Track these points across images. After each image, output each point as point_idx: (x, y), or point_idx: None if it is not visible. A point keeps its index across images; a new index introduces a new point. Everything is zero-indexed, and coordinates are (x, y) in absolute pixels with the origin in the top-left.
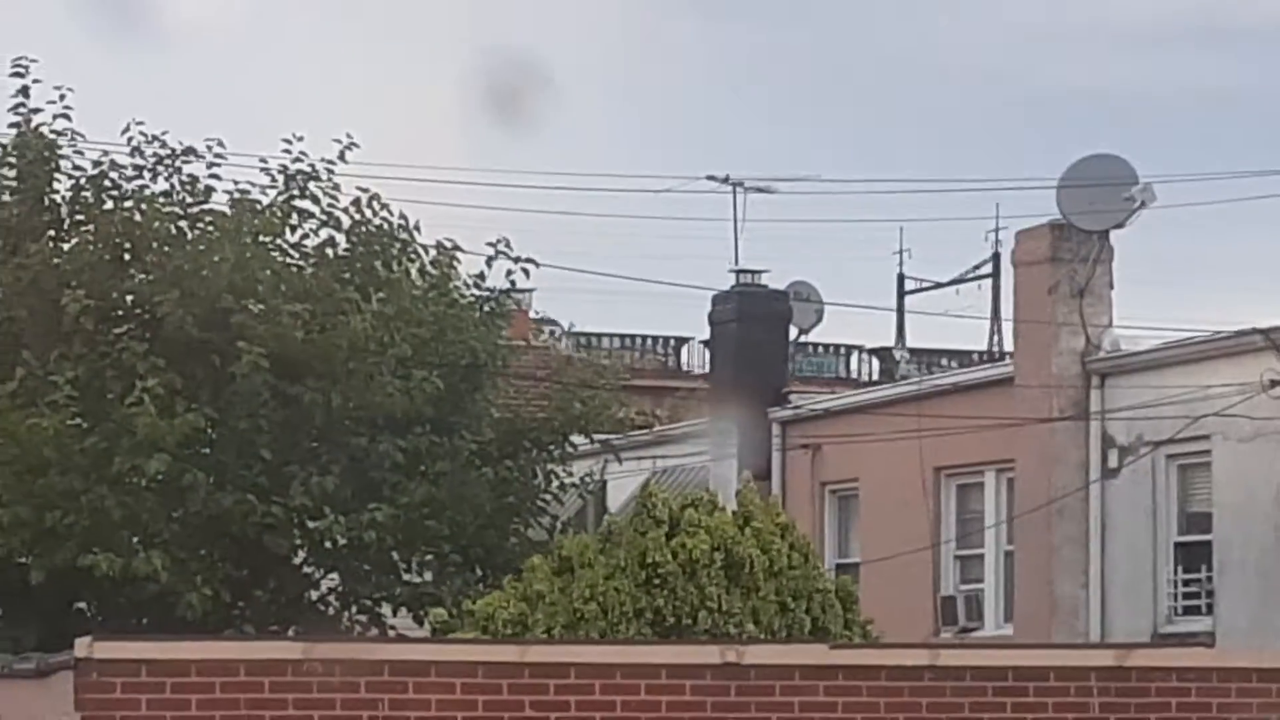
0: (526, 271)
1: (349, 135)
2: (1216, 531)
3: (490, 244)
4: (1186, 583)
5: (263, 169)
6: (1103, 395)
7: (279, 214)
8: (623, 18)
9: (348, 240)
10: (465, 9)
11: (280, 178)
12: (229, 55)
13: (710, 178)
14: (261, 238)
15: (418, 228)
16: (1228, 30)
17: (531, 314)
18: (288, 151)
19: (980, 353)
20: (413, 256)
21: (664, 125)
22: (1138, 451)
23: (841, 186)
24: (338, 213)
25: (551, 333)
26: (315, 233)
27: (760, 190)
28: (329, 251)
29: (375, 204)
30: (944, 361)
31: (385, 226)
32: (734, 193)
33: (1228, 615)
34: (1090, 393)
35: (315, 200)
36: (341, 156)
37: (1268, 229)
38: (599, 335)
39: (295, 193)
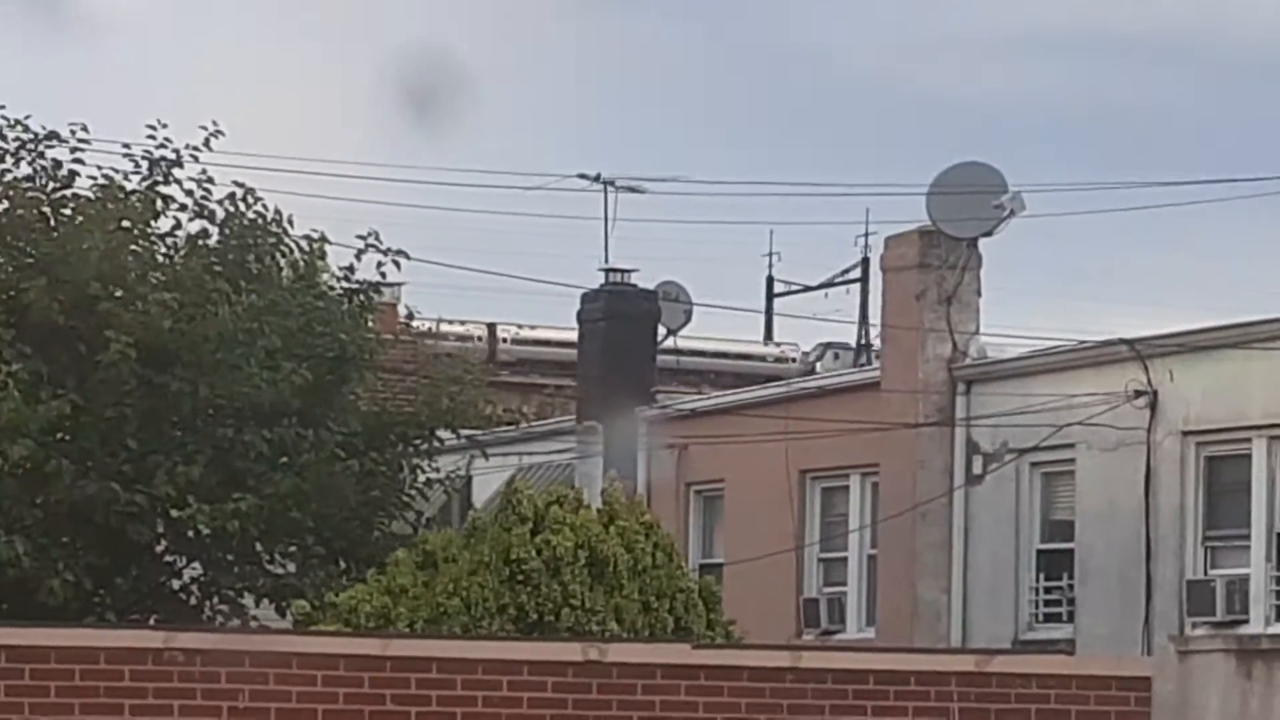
0: (397, 264)
1: (215, 123)
2: (1079, 539)
3: (360, 236)
4: (1048, 590)
5: (126, 155)
6: (968, 402)
7: (142, 200)
8: (506, 14)
9: (221, 233)
10: (356, 3)
11: (145, 164)
12: (99, 41)
13: (581, 176)
14: (125, 223)
15: (290, 221)
16: (1103, 41)
17: (401, 309)
18: (152, 138)
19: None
20: (284, 251)
21: (543, 123)
22: (1002, 458)
23: (712, 188)
24: (211, 205)
25: (430, 330)
26: (187, 223)
27: (630, 190)
28: (201, 243)
29: (250, 198)
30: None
31: (259, 220)
32: (604, 191)
33: (1088, 623)
34: (956, 399)
35: (186, 190)
36: (206, 144)
37: (1134, 240)
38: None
39: (159, 179)
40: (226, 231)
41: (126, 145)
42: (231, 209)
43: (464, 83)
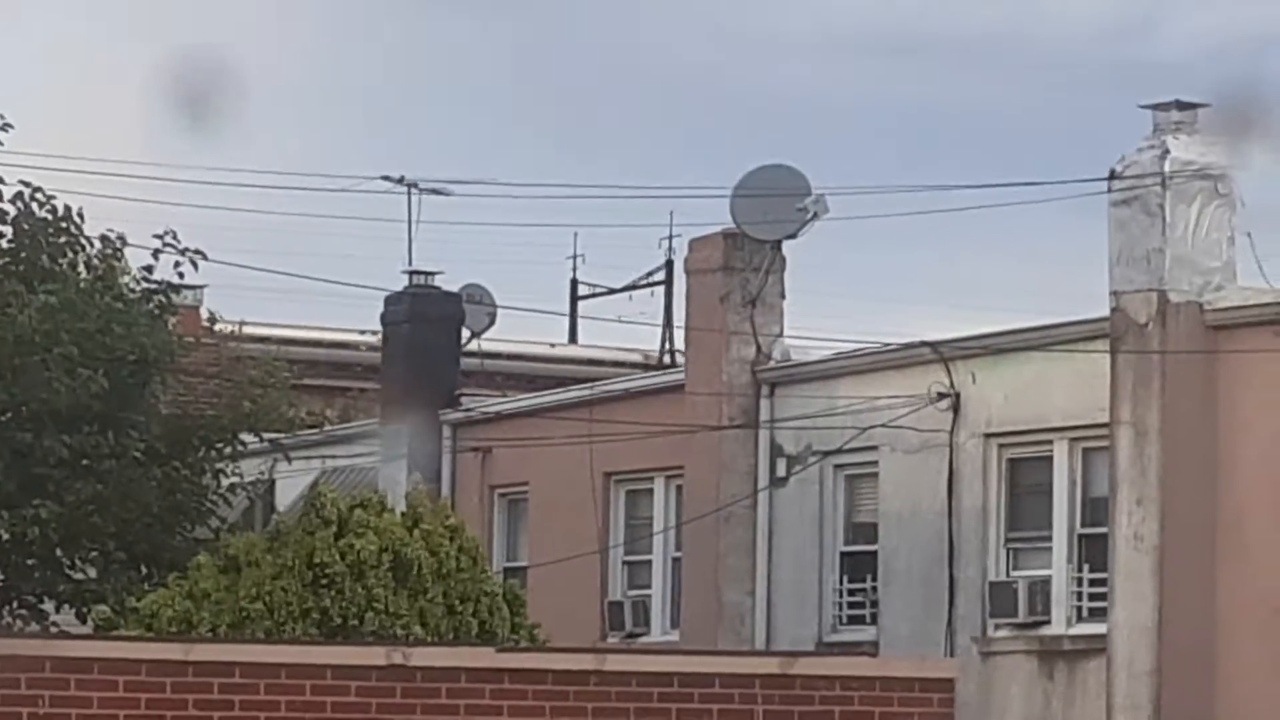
0: (195, 263)
1: (1, 116)
2: (882, 541)
3: (157, 235)
4: (851, 592)
5: None
6: (772, 404)
7: None
8: (312, 14)
9: (13, 232)
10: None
11: None
12: None
13: (385, 178)
14: None
15: (81, 216)
16: (912, 43)
17: (203, 312)
18: None
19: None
20: (78, 248)
21: (352, 125)
22: (806, 461)
23: (518, 190)
24: (3, 205)
25: (232, 331)
26: None
27: (435, 192)
28: None
29: (40, 196)
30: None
31: (49, 218)
32: (408, 194)
33: (891, 625)
34: (760, 401)
35: None
36: None
37: (937, 243)
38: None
39: None
40: (24, 228)
41: None
42: (21, 207)
43: (262, 83)
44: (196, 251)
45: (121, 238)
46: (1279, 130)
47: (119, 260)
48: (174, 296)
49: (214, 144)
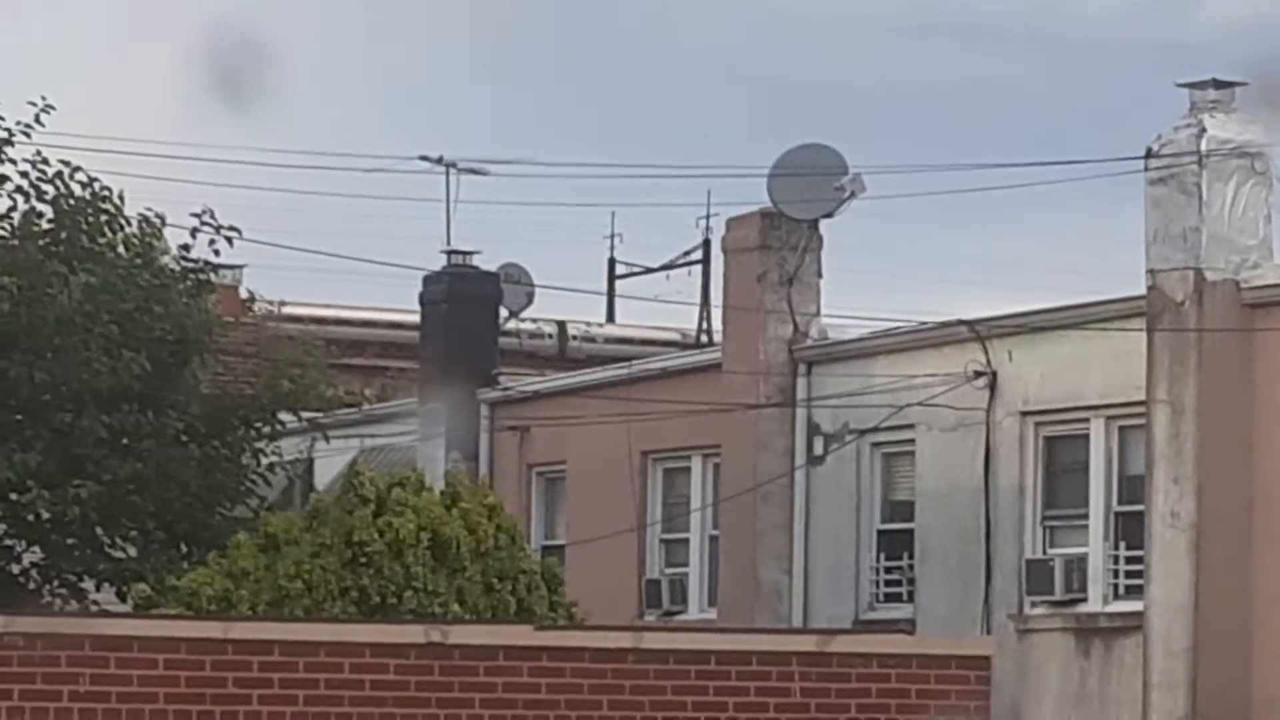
0: (230, 240)
1: (44, 98)
2: (919, 520)
3: (194, 214)
4: (888, 570)
5: None
6: (809, 383)
7: None
8: None
9: (53, 212)
10: None
11: None
12: None
13: (424, 158)
14: None
15: (121, 198)
16: (947, 23)
17: (243, 291)
18: None
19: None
20: (117, 228)
21: (388, 105)
22: (843, 439)
23: (555, 170)
24: (44, 185)
25: (271, 311)
26: (20, 204)
27: (473, 172)
28: (35, 224)
29: (80, 175)
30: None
31: (89, 198)
32: (446, 173)
33: (928, 603)
34: (797, 380)
35: (21, 171)
36: (38, 119)
37: (974, 221)
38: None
39: None
40: (64, 208)
41: None
42: (61, 187)
43: (303, 63)
44: (231, 228)
45: (161, 217)
46: None
47: (158, 240)
48: (213, 276)
49: (251, 123)
